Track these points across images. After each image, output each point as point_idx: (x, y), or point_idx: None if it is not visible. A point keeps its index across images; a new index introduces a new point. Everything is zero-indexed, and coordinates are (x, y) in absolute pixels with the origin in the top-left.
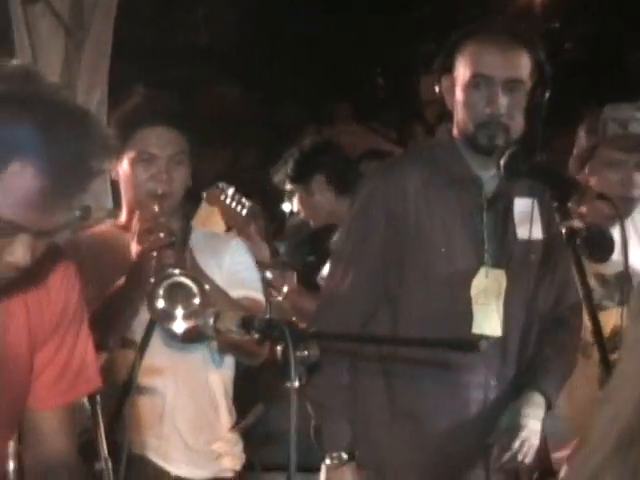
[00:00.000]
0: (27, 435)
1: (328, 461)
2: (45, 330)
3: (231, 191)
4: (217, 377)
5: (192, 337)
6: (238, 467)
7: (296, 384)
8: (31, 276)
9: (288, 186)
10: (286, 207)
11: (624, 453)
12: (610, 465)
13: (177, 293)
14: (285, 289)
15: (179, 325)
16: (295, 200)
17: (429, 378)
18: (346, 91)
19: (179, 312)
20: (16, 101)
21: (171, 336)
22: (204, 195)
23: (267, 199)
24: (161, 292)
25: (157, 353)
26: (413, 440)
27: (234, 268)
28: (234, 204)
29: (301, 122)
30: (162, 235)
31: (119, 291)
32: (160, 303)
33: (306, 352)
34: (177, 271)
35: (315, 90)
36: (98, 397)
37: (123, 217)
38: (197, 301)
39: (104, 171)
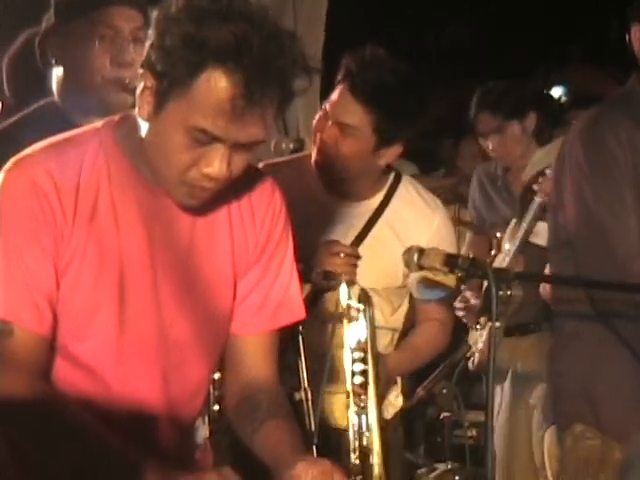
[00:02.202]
0: (229, 361)
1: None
2: (249, 256)
3: None
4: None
5: None
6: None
7: (497, 324)
8: (234, 196)
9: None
10: None
11: None
12: None
13: None
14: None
15: None
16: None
17: None
18: (577, 31)
19: None
20: (218, 15)
21: None
22: None
23: None
24: None
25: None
26: None
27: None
28: None
29: (531, 62)
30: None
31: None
32: None
33: (509, 292)
34: None
35: (546, 30)
36: (300, 327)
37: None
38: None
39: (303, 92)
